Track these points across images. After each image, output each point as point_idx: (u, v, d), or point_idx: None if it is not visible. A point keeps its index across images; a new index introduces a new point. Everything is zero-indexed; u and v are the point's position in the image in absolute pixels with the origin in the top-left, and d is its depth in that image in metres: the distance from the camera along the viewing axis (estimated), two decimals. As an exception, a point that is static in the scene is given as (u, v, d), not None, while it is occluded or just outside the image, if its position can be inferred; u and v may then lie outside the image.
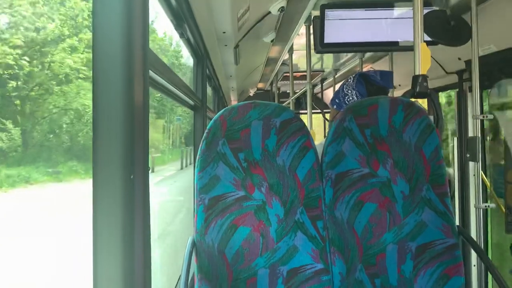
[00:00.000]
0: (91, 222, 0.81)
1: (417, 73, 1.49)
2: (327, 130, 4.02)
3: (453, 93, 3.06)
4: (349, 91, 2.03)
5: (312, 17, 2.51)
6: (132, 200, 0.82)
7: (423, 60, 1.44)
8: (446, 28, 1.98)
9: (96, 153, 0.81)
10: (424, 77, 1.46)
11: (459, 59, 2.61)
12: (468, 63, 2.49)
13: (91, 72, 0.80)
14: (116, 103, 0.80)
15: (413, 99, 1.64)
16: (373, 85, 1.95)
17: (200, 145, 1.49)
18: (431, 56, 1.55)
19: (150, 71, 1.05)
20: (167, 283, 2.29)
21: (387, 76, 2.00)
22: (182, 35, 2.11)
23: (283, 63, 4.33)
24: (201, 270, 1.43)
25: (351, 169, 1.54)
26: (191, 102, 2.28)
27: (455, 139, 2.70)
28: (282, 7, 2.46)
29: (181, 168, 11.78)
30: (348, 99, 1.94)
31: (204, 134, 1.49)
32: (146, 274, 0.87)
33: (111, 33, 0.80)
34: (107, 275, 0.80)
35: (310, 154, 1.53)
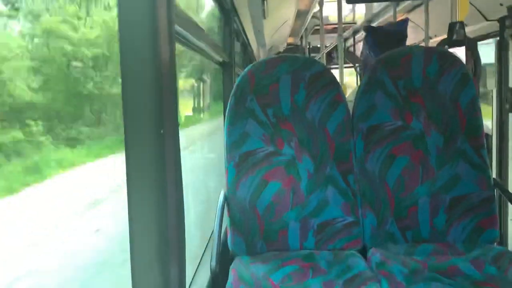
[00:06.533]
0: (125, 177, 0.83)
1: (453, 20, 1.41)
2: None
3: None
4: (365, 51, 2.10)
5: None
6: (162, 155, 0.83)
7: (461, 5, 1.35)
8: (487, -30, 1.85)
9: (126, 110, 0.82)
10: (462, 24, 1.38)
11: (501, 4, 2.46)
12: (511, 9, 2.34)
13: (117, 27, 0.80)
14: (143, 58, 0.80)
15: (449, 49, 1.57)
16: (381, 33, 1.93)
17: (229, 101, 1.49)
18: (470, 2, 1.47)
19: (176, 26, 1.04)
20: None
21: (398, 24, 2.03)
22: None
23: (314, 16, 4.20)
24: (233, 223, 1.47)
25: (383, 122, 1.51)
26: (219, 58, 2.26)
27: (494, 90, 2.59)
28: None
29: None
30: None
31: (233, 90, 1.49)
32: (180, 224, 0.89)
33: None
34: (142, 229, 0.83)
35: (341, 107, 1.51)
